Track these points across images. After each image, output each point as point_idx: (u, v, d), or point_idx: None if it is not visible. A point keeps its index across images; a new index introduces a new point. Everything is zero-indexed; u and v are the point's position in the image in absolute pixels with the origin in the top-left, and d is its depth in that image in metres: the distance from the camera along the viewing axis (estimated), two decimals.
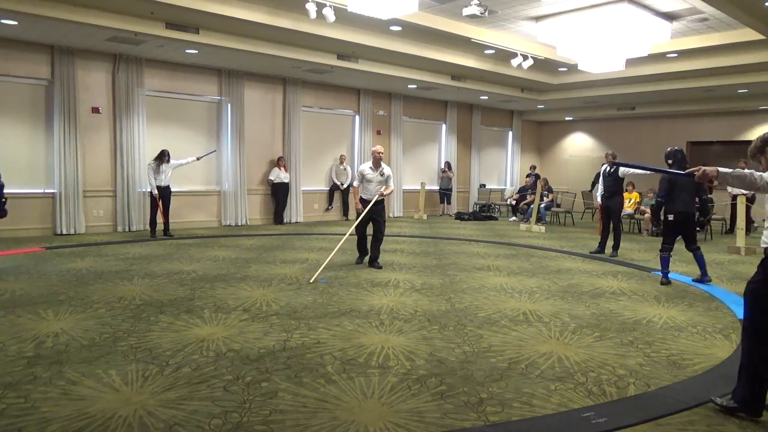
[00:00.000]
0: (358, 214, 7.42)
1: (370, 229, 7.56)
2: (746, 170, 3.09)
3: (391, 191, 7.52)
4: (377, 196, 7.29)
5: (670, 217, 6.56)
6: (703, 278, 6.75)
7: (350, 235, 7.57)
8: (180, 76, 11.11)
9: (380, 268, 7.33)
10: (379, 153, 7.40)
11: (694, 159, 16.20)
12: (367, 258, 7.59)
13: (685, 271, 7.55)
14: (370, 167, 7.39)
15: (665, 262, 6.68)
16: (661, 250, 6.69)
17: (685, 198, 6.50)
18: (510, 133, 18.44)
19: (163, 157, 9.59)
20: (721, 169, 3.11)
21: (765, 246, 3.23)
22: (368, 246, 7.58)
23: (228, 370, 3.66)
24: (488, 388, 3.47)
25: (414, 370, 3.74)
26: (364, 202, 7.36)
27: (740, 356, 3.25)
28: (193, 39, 8.95)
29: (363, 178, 7.39)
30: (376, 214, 7.37)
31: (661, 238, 6.79)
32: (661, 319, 5.15)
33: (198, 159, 10.22)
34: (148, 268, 7.03)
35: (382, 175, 7.33)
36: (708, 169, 3.14)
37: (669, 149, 6.57)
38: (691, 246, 6.74)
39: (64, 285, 5.99)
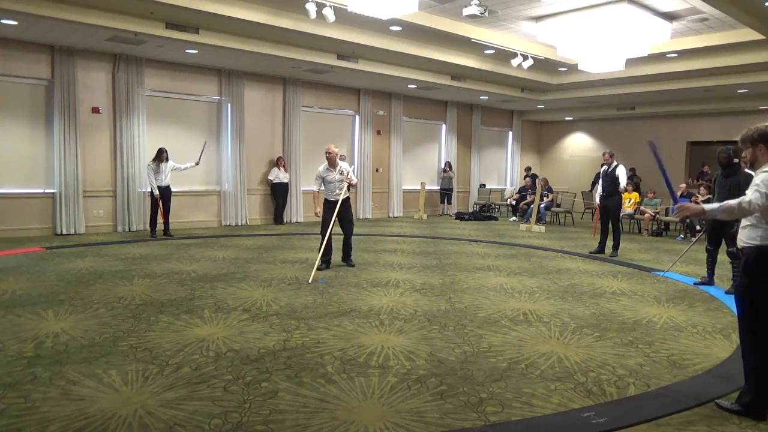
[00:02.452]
0: (323, 221, 7.14)
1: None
2: (731, 202, 3.12)
3: (355, 182, 7.31)
4: (344, 188, 7.12)
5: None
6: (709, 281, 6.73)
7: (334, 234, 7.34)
8: (180, 76, 11.11)
9: (353, 266, 7.33)
10: (328, 153, 7.17)
11: (694, 159, 16.25)
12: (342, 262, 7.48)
13: (686, 271, 7.55)
14: (326, 168, 7.19)
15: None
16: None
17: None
18: (510, 133, 18.44)
19: (161, 155, 9.59)
20: (707, 207, 3.21)
21: (742, 245, 3.22)
22: (332, 247, 7.30)
23: (228, 370, 3.66)
24: (488, 388, 3.47)
25: (414, 370, 3.74)
26: (329, 203, 7.18)
27: (742, 359, 3.25)
28: (193, 39, 8.94)
29: (323, 181, 7.19)
30: (343, 213, 7.16)
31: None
32: (661, 319, 5.15)
33: (197, 164, 10.06)
34: (148, 268, 7.03)
35: (341, 173, 7.18)
36: (692, 207, 3.26)
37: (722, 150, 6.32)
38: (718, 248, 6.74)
39: (64, 285, 5.99)
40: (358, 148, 14.10)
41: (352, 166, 7.46)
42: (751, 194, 3.07)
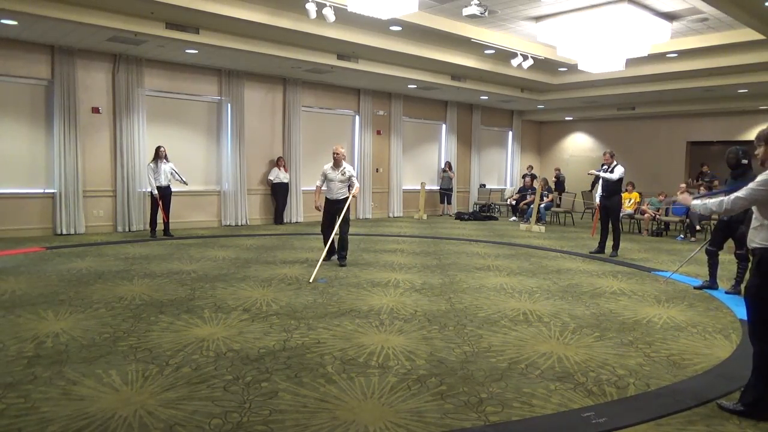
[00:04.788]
0: (323, 220, 7.51)
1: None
2: (712, 201, 3.35)
3: (357, 190, 7.53)
4: (350, 198, 7.39)
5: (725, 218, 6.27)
6: (712, 284, 6.56)
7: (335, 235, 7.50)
8: (180, 76, 11.11)
9: (344, 265, 7.39)
10: (336, 153, 7.38)
11: (694, 159, 16.25)
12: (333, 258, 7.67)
13: (686, 271, 7.55)
14: (331, 167, 7.41)
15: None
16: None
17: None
18: (510, 133, 18.44)
19: (159, 153, 9.58)
20: (695, 201, 3.53)
21: (754, 247, 3.21)
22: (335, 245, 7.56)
23: (228, 370, 3.66)
24: (488, 388, 3.47)
25: (414, 370, 3.74)
26: (328, 201, 7.45)
27: (752, 359, 3.23)
28: (193, 39, 8.94)
29: (326, 178, 7.43)
30: (338, 213, 7.34)
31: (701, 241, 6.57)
32: (661, 319, 5.15)
33: (185, 182, 9.97)
34: (148, 268, 7.03)
35: (343, 174, 7.35)
36: (684, 197, 3.67)
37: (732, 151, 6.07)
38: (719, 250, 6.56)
39: (64, 285, 5.99)
40: (358, 148, 14.11)
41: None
42: (739, 192, 3.20)
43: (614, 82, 12.83)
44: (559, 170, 16.76)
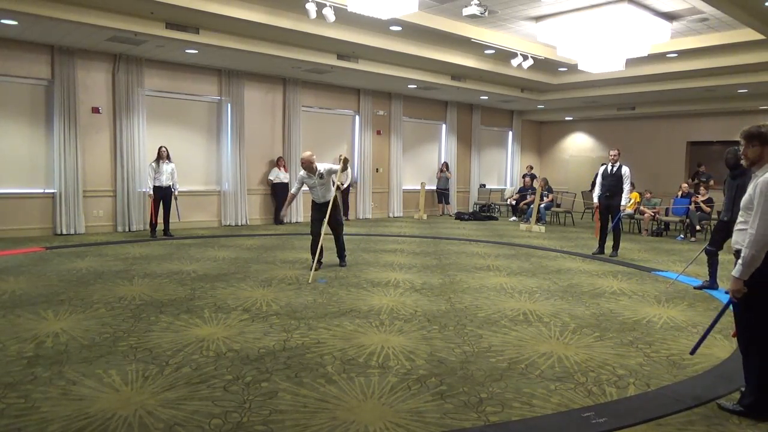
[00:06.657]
0: (311, 222, 7.27)
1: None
2: (748, 252, 2.98)
3: (345, 175, 7.36)
4: (332, 189, 7.20)
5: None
6: (712, 284, 6.53)
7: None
8: (180, 76, 11.11)
9: (344, 266, 7.32)
10: (303, 161, 7.07)
11: (694, 159, 16.25)
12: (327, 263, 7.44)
13: (686, 271, 7.54)
14: (306, 174, 7.14)
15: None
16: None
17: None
18: (510, 133, 18.44)
19: (160, 154, 9.59)
20: (736, 273, 3.03)
21: (738, 248, 3.16)
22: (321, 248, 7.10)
23: (228, 370, 3.66)
24: (488, 388, 3.47)
25: (414, 370, 3.74)
26: (316, 205, 7.22)
27: (743, 360, 3.24)
28: (193, 39, 8.94)
29: (305, 185, 7.21)
30: (328, 215, 7.14)
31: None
32: (661, 319, 5.15)
33: (175, 197, 9.92)
34: (148, 268, 7.03)
35: (321, 177, 7.08)
36: (733, 287, 3.07)
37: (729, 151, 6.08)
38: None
39: (64, 285, 5.99)
40: (358, 148, 14.10)
41: (343, 169, 7.32)
42: (760, 217, 2.98)
43: (614, 82, 12.83)
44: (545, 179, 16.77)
